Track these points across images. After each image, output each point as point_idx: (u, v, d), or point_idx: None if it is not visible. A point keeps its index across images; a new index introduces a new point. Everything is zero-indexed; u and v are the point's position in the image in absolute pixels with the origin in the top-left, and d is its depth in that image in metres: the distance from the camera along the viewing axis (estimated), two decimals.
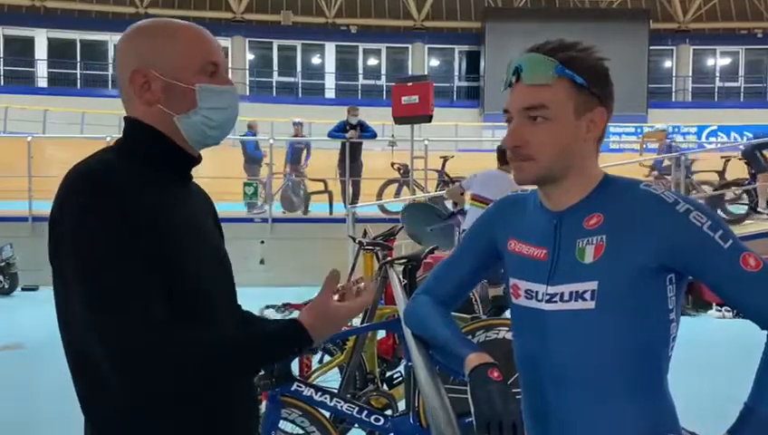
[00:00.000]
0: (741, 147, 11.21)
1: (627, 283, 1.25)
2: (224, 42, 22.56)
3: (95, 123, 19.14)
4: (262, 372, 2.75)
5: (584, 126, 1.30)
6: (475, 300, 5.80)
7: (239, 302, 1.45)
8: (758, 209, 9.93)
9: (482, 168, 7.01)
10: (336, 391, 3.31)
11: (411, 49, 26.31)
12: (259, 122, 13.84)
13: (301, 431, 3.00)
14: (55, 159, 13.01)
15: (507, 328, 3.45)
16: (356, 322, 3.95)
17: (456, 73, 26.79)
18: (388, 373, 4.30)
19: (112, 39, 25.27)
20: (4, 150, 13.12)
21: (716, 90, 26.64)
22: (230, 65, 21.85)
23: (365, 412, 3.02)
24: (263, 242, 10.60)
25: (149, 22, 1.32)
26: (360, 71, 26.65)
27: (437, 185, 11.39)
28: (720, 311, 8.25)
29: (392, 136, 13.19)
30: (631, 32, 24.33)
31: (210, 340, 1.20)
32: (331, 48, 26.30)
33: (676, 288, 1.28)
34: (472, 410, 1.25)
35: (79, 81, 25.20)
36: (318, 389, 2.96)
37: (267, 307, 5.31)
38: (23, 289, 9.87)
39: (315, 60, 26.76)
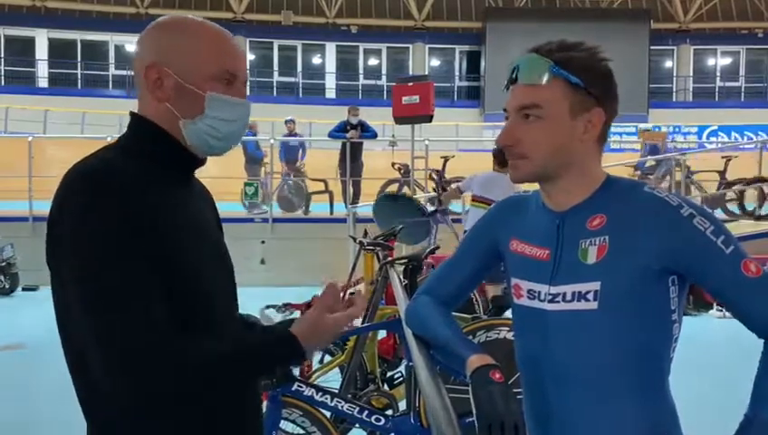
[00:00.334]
0: None
1: (629, 284, 1.25)
2: None
3: (96, 123, 19.15)
4: None
5: (581, 126, 1.30)
6: (476, 300, 5.80)
7: (239, 302, 1.44)
8: None
9: (483, 168, 7.02)
10: (337, 391, 3.31)
11: (412, 49, 26.32)
12: (260, 122, 13.86)
13: (301, 431, 3.00)
14: (56, 159, 13.02)
15: (508, 328, 3.45)
16: (357, 322, 3.94)
17: (457, 73, 26.80)
18: (389, 373, 4.30)
19: (113, 39, 25.30)
20: (4, 150, 13.13)
21: (717, 90, 26.65)
22: None
23: (366, 412, 3.02)
24: (263, 242, 10.59)
25: (175, 17, 1.28)
26: (361, 71, 26.66)
27: (438, 185, 11.38)
28: (721, 311, 8.23)
29: (393, 136, 13.20)
30: (632, 32, 24.34)
31: (207, 347, 1.19)
32: (331, 48, 26.31)
33: (679, 290, 1.28)
34: (474, 411, 1.25)
35: (79, 81, 25.22)
36: (319, 389, 2.96)
37: (268, 307, 5.31)
38: (23, 289, 9.87)
39: (316, 60, 26.77)
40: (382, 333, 4.55)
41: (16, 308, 8.96)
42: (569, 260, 1.31)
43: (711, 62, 27.08)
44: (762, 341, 1.24)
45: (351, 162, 11.20)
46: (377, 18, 26.34)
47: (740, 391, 1.27)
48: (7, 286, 9.82)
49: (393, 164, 11.55)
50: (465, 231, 6.66)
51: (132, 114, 1.29)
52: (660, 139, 14.74)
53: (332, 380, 3.95)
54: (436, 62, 26.98)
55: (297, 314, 5.00)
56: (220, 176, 10.45)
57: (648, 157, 12.30)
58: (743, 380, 1.39)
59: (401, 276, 3.69)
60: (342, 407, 2.97)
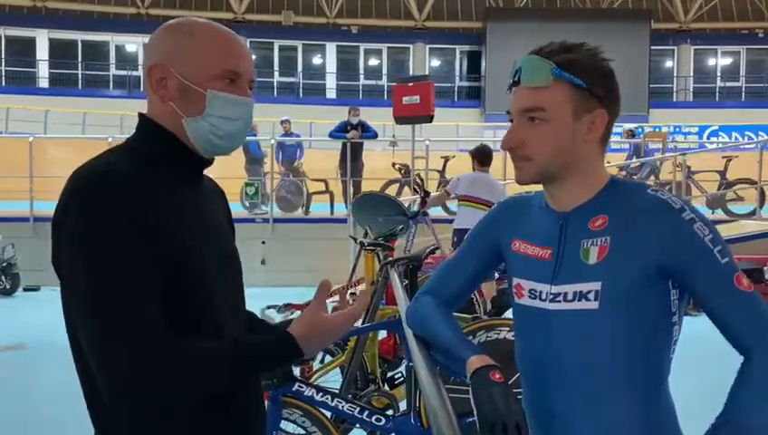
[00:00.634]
0: None
1: (630, 284, 1.26)
2: None
3: (96, 124, 19.16)
4: None
5: (584, 128, 1.30)
6: (477, 300, 5.80)
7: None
8: None
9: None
10: (337, 391, 3.31)
11: (412, 49, 26.32)
12: (261, 122, 13.86)
13: (302, 432, 3.00)
14: (57, 159, 13.02)
15: (508, 328, 3.45)
16: (357, 322, 3.94)
17: (458, 73, 26.80)
18: (390, 374, 4.30)
19: (113, 39, 25.31)
20: (5, 151, 13.13)
21: (718, 90, 26.64)
22: None
23: (366, 413, 3.02)
24: (264, 242, 10.59)
25: (183, 20, 1.31)
26: (361, 71, 26.66)
27: (438, 185, 11.39)
28: None
29: (393, 136, 13.21)
30: (632, 32, 24.33)
31: (206, 346, 1.19)
32: (332, 48, 26.32)
33: (680, 291, 1.29)
34: (475, 412, 1.25)
35: (80, 81, 25.23)
36: (319, 389, 2.96)
37: (268, 307, 5.32)
38: (24, 289, 9.87)
39: (316, 60, 26.78)
40: (383, 334, 4.55)
41: (17, 308, 8.96)
42: (570, 260, 1.31)
43: (711, 62, 27.07)
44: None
45: (352, 162, 11.20)
46: (377, 18, 26.34)
47: None
48: (8, 287, 9.82)
49: (393, 164, 11.56)
50: (454, 230, 6.73)
51: (140, 115, 1.31)
52: (661, 139, 14.75)
53: (333, 380, 3.96)
54: (436, 63, 26.99)
55: (298, 314, 5.00)
56: (220, 176, 10.37)
57: (634, 159, 12.30)
58: None
59: (402, 277, 3.69)
60: (343, 407, 2.98)
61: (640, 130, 16.04)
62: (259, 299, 3.65)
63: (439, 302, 1.52)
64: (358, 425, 3.26)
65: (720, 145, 20.47)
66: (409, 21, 26.39)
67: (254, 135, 12.68)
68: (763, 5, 25.75)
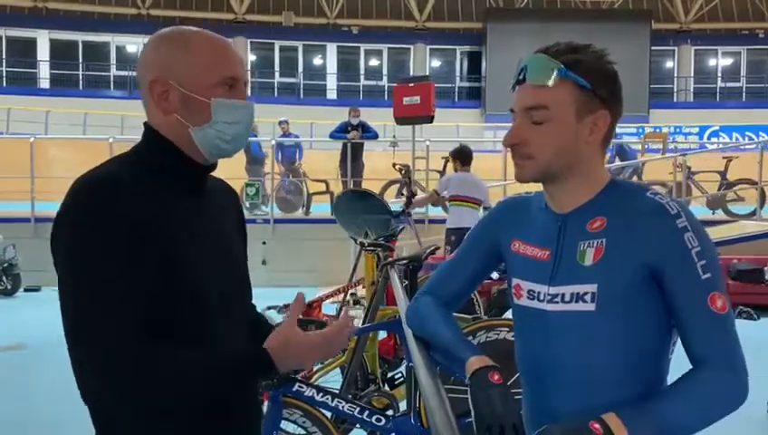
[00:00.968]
0: None
1: (625, 286, 1.26)
2: None
3: (97, 124, 19.18)
4: None
5: (587, 128, 1.31)
6: (477, 301, 5.81)
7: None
8: None
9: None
10: (337, 391, 3.31)
11: (413, 50, 26.33)
12: (261, 123, 13.86)
13: (302, 432, 3.00)
14: (58, 159, 13.04)
15: (508, 329, 3.45)
16: (358, 323, 3.95)
17: (458, 74, 26.80)
18: (390, 374, 4.30)
19: (114, 40, 25.33)
20: (6, 151, 13.12)
21: (718, 90, 26.63)
22: None
23: (366, 413, 3.02)
24: (264, 243, 10.60)
25: (174, 31, 1.33)
26: (362, 71, 26.67)
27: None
28: None
29: (394, 137, 13.21)
30: (633, 32, 24.33)
31: (178, 356, 1.21)
32: (332, 49, 26.32)
33: None
34: (472, 413, 1.26)
35: (81, 82, 25.24)
36: (319, 389, 2.96)
37: (269, 308, 5.32)
38: (25, 290, 9.88)
39: (317, 61, 26.79)
40: (383, 334, 4.55)
41: (18, 309, 8.96)
42: (568, 261, 1.32)
43: (712, 62, 27.07)
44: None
45: (352, 163, 11.20)
46: (378, 19, 26.35)
47: None
48: (9, 287, 9.84)
49: (394, 165, 11.51)
50: (448, 229, 6.93)
51: (146, 125, 1.34)
52: (661, 139, 14.75)
53: (333, 380, 3.96)
54: (436, 63, 26.99)
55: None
56: (221, 177, 10.44)
57: (617, 160, 12.28)
58: None
59: (402, 277, 3.69)
60: (343, 407, 2.98)
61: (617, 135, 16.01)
62: (260, 299, 3.63)
63: (439, 302, 1.52)
64: (358, 425, 3.26)
65: (720, 145, 20.48)
66: (410, 21, 26.39)
67: (256, 135, 12.70)
68: (763, 6, 25.74)
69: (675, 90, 26.74)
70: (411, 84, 9.03)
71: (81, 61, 25.16)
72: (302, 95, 25.62)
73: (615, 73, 1.33)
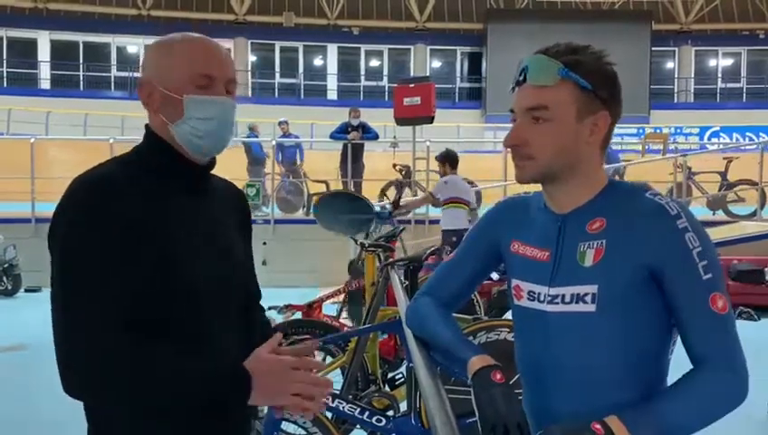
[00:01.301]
0: None
1: (625, 287, 1.26)
2: (226, 43, 22.59)
3: (98, 125, 19.18)
4: None
5: (587, 129, 1.31)
6: (477, 301, 5.81)
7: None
8: None
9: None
10: (338, 392, 3.31)
11: (413, 50, 26.33)
12: (262, 123, 13.87)
13: (303, 432, 3.01)
14: (58, 160, 13.04)
15: (509, 329, 3.45)
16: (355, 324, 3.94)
17: (458, 75, 26.81)
18: (390, 374, 4.30)
19: (115, 41, 25.33)
20: (7, 152, 13.14)
21: (719, 91, 26.63)
22: None
23: (367, 413, 3.02)
24: (265, 243, 10.60)
25: (165, 37, 1.38)
26: (362, 72, 26.68)
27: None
28: None
29: (394, 137, 13.21)
30: (633, 33, 24.34)
31: (156, 360, 1.21)
32: (333, 49, 26.33)
33: None
34: (476, 414, 1.26)
35: (81, 82, 25.26)
36: None
37: (269, 308, 5.30)
38: (26, 290, 9.89)
39: (317, 61, 26.80)
40: (383, 334, 4.55)
41: (18, 309, 8.96)
42: (568, 262, 1.32)
43: (712, 63, 27.07)
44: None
45: (353, 163, 11.20)
46: (378, 20, 26.35)
47: None
48: (10, 288, 9.84)
49: (394, 165, 11.57)
50: (445, 230, 7.18)
51: (146, 126, 1.37)
52: (662, 140, 14.75)
53: (334, 381, 3.95)
54: (437, 64, 26.99)
55: (299, 314, 5.01)
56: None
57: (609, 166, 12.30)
58: None
59: (402, 277, 3.69)
60: (343, 408, 2.98)
61: None
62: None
63: (438, 303, 1.52)
64: (358, 426, 3.26)
65: (721, 146, 20.47)
66: (410, 22, 26.39)
67: (256, 136, 12.70)
68: (763, 6, 25.74)
69: (675, 90, 26.74)
70: (412, 85, 9.05)
71: (81, 61, 25.17)
72: (302, 96, 25.62)
73: (615, 74, 1.33)
